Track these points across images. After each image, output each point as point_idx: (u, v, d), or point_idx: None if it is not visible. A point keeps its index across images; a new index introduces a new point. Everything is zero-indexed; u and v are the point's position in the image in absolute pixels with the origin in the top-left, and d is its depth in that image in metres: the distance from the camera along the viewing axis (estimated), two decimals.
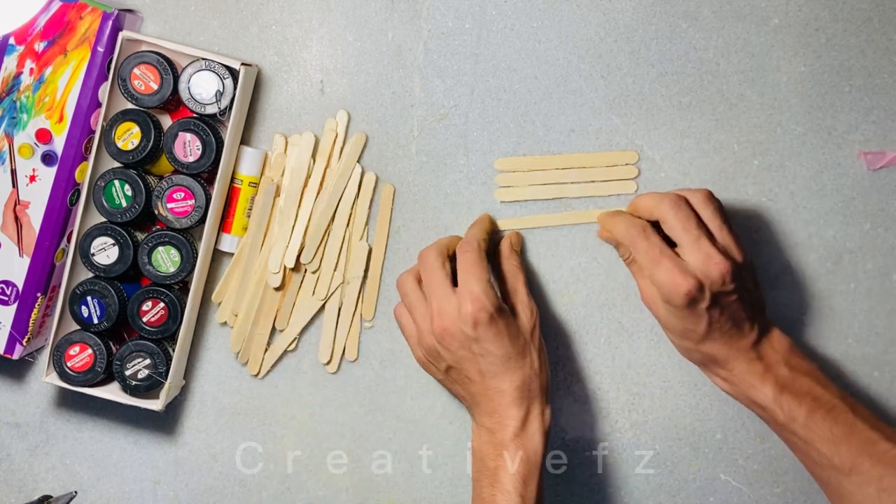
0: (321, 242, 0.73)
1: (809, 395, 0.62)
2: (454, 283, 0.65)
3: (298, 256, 0.72)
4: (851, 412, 0.61)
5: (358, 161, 0.72)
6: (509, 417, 0.64)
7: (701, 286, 0.61)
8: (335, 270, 0.73)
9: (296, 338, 0.74)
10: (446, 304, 0.64)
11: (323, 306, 0.74)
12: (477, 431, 0.66)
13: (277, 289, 0.73)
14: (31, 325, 0.71)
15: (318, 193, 0.72)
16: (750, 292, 0.64)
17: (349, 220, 0.73)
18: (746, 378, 0.64)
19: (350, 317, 0.74)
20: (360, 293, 0.74)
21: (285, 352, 0.75)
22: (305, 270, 0.73)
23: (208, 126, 0.69)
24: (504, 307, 0.65)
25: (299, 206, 0.72)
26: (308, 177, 0.72)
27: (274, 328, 0.74)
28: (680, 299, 0.61)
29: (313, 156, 0.72)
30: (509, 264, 0.69)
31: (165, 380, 0.71)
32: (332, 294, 0.73)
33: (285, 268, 0.72)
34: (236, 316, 0.74)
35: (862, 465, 0.59)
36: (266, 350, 0.74)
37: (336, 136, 0.72)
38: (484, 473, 0.65)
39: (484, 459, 0.65)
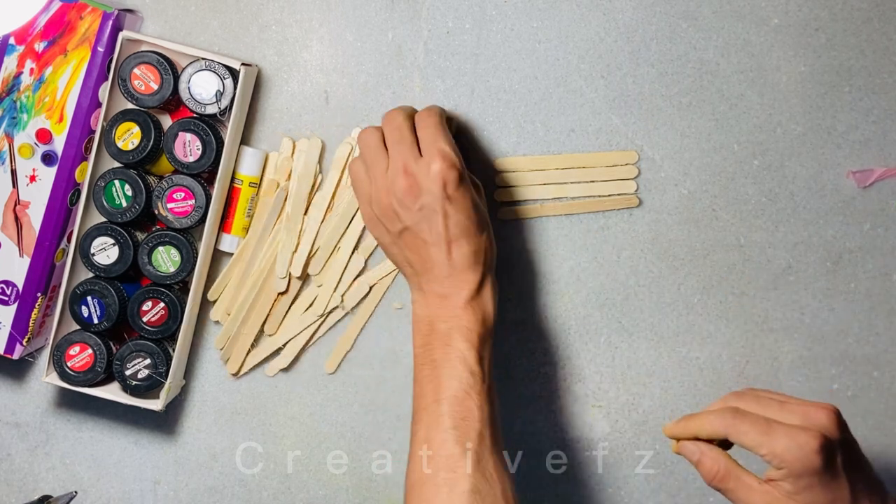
0: (329, 257, 0.73)
1: None
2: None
3: (305, 266, 0.72)
4: None
5: None
6: (465, 281, 0.62)
7: (829, 438, 0.53)
8: (335, 291, 0.73)
9: (281, 347, 0.74)
10: (413, 162, 0.62)
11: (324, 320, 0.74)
12: (423, 300, 0.64)
13: (282, 294, 0.73)
14: (31, 325, 0.71)
15: (329, 206, 0.72)
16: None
17: (357, 242, 0.73)
18: None
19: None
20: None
21: (268, 357, 0.75)
22: (303, 281, 0.73)
23: (208, 126, 0.69)
24: (468, 173, 0.63)
25: (305, 213, 0.72)
26: (315, 183, 0.72)
27: (263, 333, 0.74)
28: (815, 458, 0.52)
29: (319, 161, 0.72)
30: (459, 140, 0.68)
31: (165, 380, 0.71)
32: (330, 313, 0.74)
33: (290, 274, 0.72)
34: (230, 315, 0.74)
35: None
36: (249, 352, 0.74)
37: (352, 150, 0.72)
38: (435, 337, 0.62)
39: (434, 323, 0.63)
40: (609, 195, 0.72)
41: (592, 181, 0.72)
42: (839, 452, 0.54)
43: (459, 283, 0.63)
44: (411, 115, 0.66)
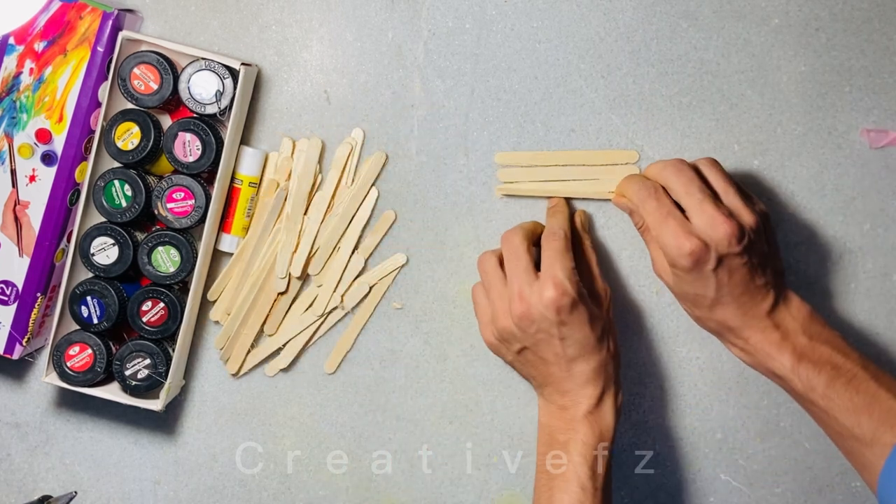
0: (329, 257, 0.73)
1: (829, 364, 0.61)
2: (537, 268, 0.65)
3: (304, 266, 0.72)
4: (874, 381, 0.59)
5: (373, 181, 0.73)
6: (584, 396, 0.65)
7: (706, 247, 0.60)
8: (335, 291, 0.73)
9: (281, 347, 0.74)
10: (527, 287, 0.63)
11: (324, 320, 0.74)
12: (546, 407, 0.67)
13: (282, 294, 0.73)
14: (31, 325, 0.71)
15: (329, 206, 0.72)
16: (764, 257, 0.63)
17: (357, 242, 0.73)
18: (763, 347, 0.63)
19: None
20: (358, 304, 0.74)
21: (268, 357, 0.75)
22: (303, 281, 0.73)
23: (208, 126, 0.69)
24: (585, 293, 0.64)
25: (305, 213, 0.72)
26: (314, 183, 0.72)
27: (262, 332, 0.74)
28: (684, 260, 0.61)
29: (319, 161, 0.72)
30: (582, 246, 0.69)
31: (165, 380, 0.71)
32: (329, 313, 0.74)
33: (290, 274, 0.72)
34: (229, 315, 0.74)
35: (883, 436, 0.57)
36: (249, 352, 0.74)
37: (352, 150, 0.72)
38: (553, 446, 0.65)
39: (553, 433, 0.65)
40: (609, 192, 0.72)
41: (594, 179, 0.71)
42: (713, 262, 0.61)
43: (578, 398, 0.65)
44: (530, 232, 0.67)
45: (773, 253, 0.65)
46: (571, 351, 0.64)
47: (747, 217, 0.62)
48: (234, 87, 0.68)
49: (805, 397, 0.61)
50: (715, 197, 0.62)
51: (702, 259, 0.61)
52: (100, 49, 0.68)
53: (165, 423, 0.76)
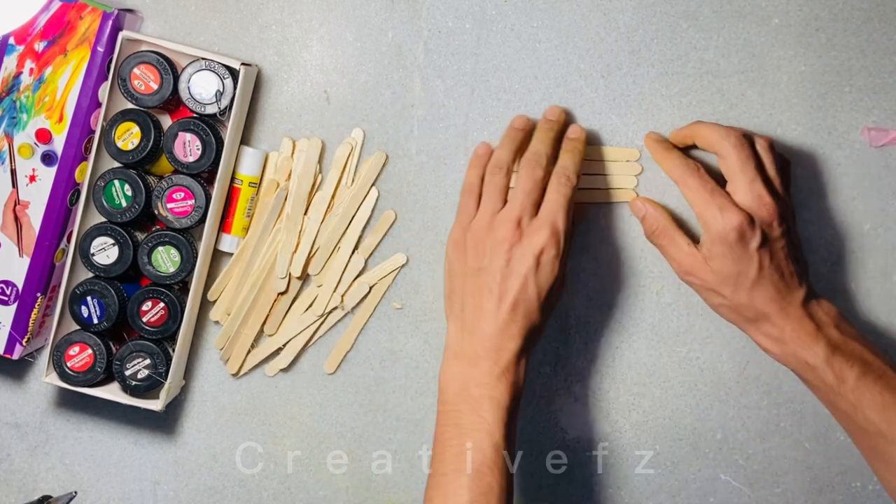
0: (329, 257, 0.73)
1: (860, 359, 0.62)
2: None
3: (304, 266, 0.72)
4: None
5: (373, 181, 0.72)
6: (506, 350, 0.63)
7: (752, 221, 0.61)
8: (335, 291, 0.73)
9: (281, 347, 0.74)
10: (527, 218, 0.63)
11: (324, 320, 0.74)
12: (458, 355, 0.64)
13: (282, 294, 0.73)
14: (31, 325, 0.71)
15: (329, 206, 0.72)
16: (797, 248, 0.65)
17: (357, 242, 0.73)
18: (798, 336, 0.63)
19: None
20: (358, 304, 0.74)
21: (268, 357, 0.75)
22: (303, 281, 0.73)
23: (208, 126, 0.69)
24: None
25: (305, 213, 0.72)
26: (314, 183, 0.72)
27: (262, 332, 0.74)
28: (732, 234, 0.61)
29: (319, 161, 0.72)
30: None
31: (165, 380, 0.71)
32: (329, 313, 0.74)
33: (290, 274, 0.72)
34: (229, 315, 0.74)
35: None
36: (249, 352, 0.74)
37: (352, 150, 0.72)
38: (464, 400, 0.62)
39: (467, 384, 0.63)
40: (609, 189, 0.71)
41: (596, 174, 0.71)
42: (758, 238, 0.62)
43: (500, 349, 0.63)
44: (551, 158, 0.66)
45: (801, 247, 0.67)
46: (521, 298, 0.63)
47: (788, 203, 0.64)
48: (234, 87, 0.68)
49: (835, 390, 0.62)
50: (764, 178, 0.63)
51: (748, 234, 0.61)
52: (100, 49, 0.68)
53: (165, 423, 0.76)
